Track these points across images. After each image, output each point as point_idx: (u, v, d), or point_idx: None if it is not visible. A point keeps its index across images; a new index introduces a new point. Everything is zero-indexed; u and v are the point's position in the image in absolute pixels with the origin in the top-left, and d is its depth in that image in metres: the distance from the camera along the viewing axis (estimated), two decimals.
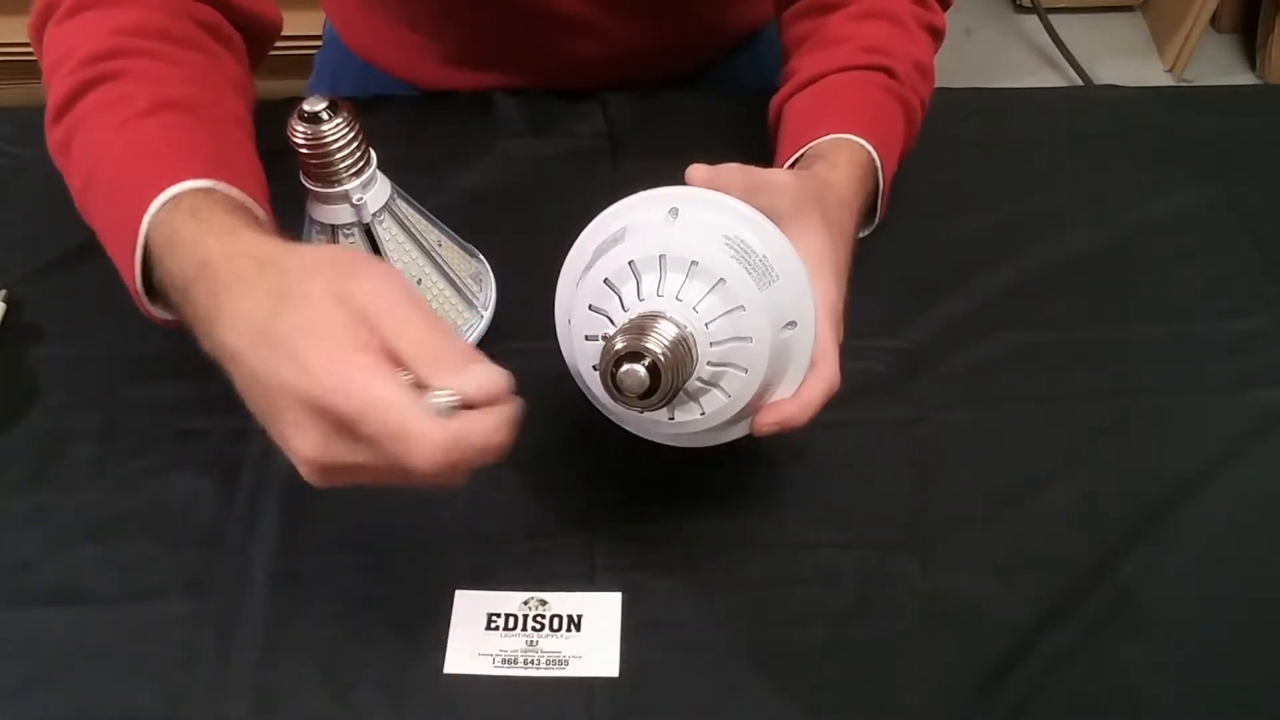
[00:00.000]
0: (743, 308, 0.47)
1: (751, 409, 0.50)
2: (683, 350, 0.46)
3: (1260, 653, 0.55)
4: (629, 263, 0.47)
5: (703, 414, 0.49)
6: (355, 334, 0.41)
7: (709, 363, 0.47)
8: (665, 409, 0.49)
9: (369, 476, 0.43)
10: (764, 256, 0.48)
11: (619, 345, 0.45)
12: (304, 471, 0.44)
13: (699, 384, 0.48)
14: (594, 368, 0.49)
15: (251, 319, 0.43)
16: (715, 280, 0.47)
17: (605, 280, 0.48)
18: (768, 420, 0.50)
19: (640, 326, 0.46)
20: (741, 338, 0.47)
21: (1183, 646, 0.55)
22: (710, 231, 0.48)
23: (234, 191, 0.51)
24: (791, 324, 0.49)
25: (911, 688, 0.54)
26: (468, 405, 0.41)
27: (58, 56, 0.58)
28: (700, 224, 0.49)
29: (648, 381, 0.45)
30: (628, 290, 0.47)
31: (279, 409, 0.42)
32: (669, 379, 0.45)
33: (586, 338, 0.49)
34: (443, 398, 0.41)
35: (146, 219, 0.49)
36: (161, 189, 0.50)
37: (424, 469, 0.40)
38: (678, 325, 0.46)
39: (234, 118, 0.59)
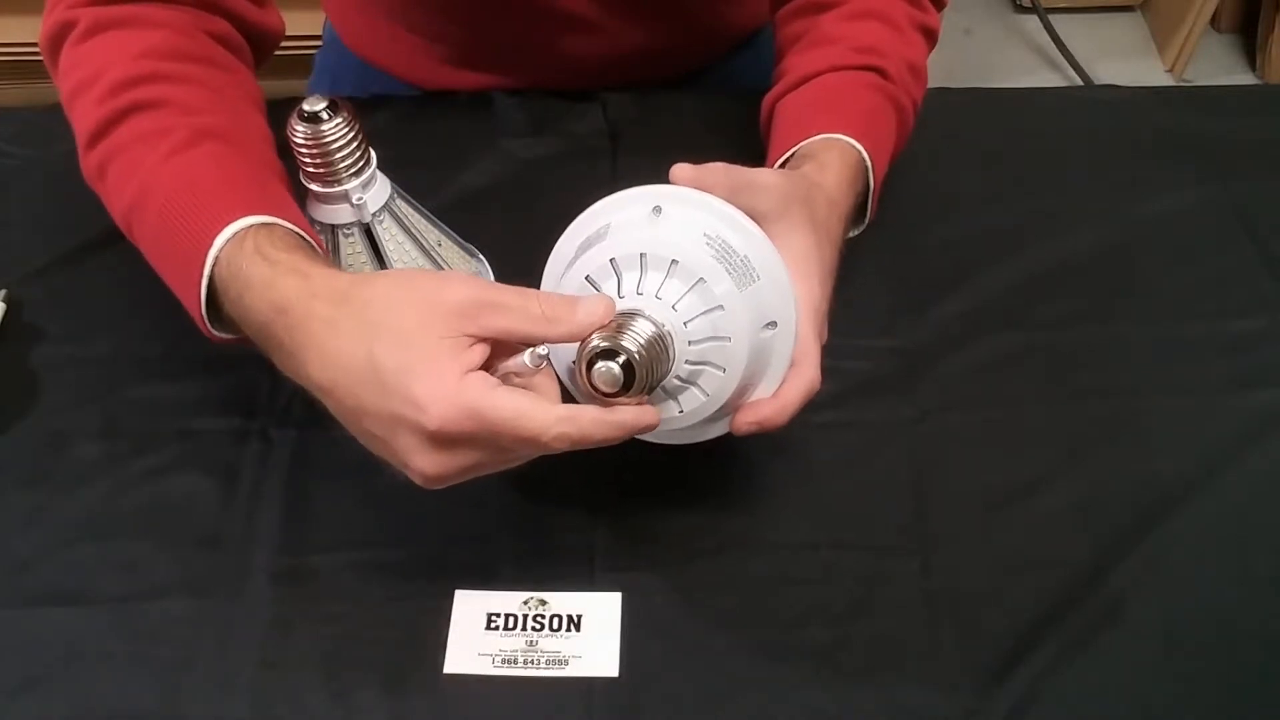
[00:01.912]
0: (721, 307, 0.47)
1: (730, 407, 0.50)
2: (659, 349, 0.46)
3: (1261, 653, 0.55)
4: (610, 260, 0.48)
5: (681, 411, 0.50)
6: (455, 355, 0.45)
7: (687, 361, 0.48)
8: None
9: (484, 470, 0.48)
10: (745, 257, 0.48)
11: (595, 342, 0.46)
12: (421, 482, 0.48)
13: (677, 382, 0.48)
14: (572, 364, 0.49)
15: (345, 357, 0.46)
16: (695, 280, 0.47)
17: (587, 277, 0.48)
18: (746, 420, 0.51)
19: (617, 324, 0.46)
20: (720, 337, 0.47)
21: (1182, 646, 0.55)
22: (691, 231, 0.48)
23: (289, 225, 0.53)
24: (772, 324, 0.49)
25: (911, 688, 0.54)
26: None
27: (81, 79, 0.58)
28: (682, 223, 0.49)
29: (622, 379, 0.45)
30: (608, 287, 0.48)
31: (395, 437, 0.46)
32: (643, 376, 0.46)
33: None
34: (540, 349, 0.46)
35: (211, 255, 0.51)
36: (223, 225, 0.51)
37: (551, 450, 0.46)
38: (655, 324, 0.47)
39: (262, 136, 0.60)
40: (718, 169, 0.51)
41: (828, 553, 0.58)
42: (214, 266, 0.51)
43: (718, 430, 0.53)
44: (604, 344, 0.45)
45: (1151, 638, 0.55)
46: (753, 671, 0.54)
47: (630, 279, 0.48)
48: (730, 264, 0.48)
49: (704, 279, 0.47)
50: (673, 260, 0.47)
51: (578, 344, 0.47)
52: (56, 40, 0.60)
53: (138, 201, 0.55)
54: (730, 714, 0.53)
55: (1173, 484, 0.61)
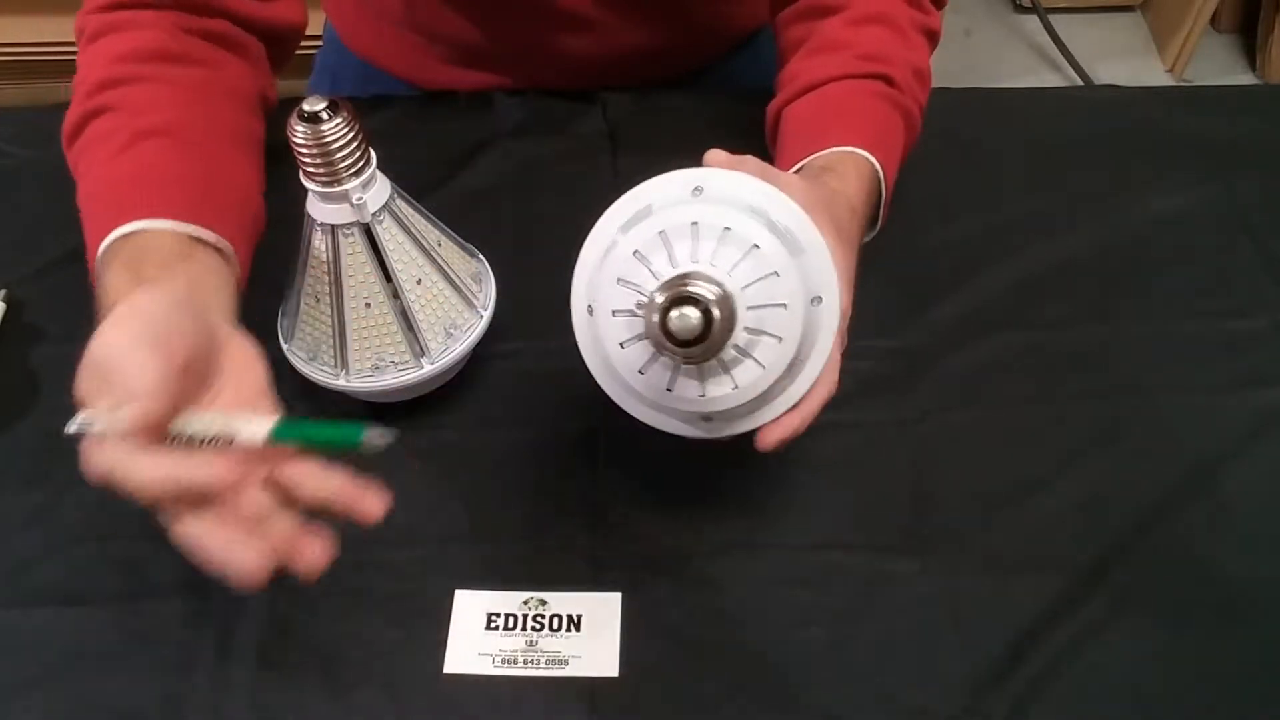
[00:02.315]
0: (776, 273, 0.47)
1: (775, 392, 0.50)
2: (727, 307, 0.46)
3: (1262, 653, 0.55)
4: (659, 232, 0.47)
5: (735, 387, 0.49)
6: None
7: (745, 328, 0.47)
8: (697, 383, 0.49)
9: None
10: (789, 229, 0.48)
11: (669, 293, 0.45)
12: None
13: (734, 352, 0.48)
14: (620, 345, 0.48)
15: None
16: (749, 246, 0.47)
17: (635, 252, 0.47)
18: (773, 437, 0.51)
19: (683, 279, 0.46)
20: (776, 303, 0.47)
21: (1182, 647, 0.55)
22: (737, 203, 0.48)
23: (167, 224, 0.53)
24: (817, 299, 0.49)
25: (911, 688, 0.54)
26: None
27: (76, 82, 0.62)
28: (726, 198, 0.49)
29: (701, 325, 0.45)
30: (659, 260, 0.47)
31: None
32: (718, 329, 0.45)
33: (614, 313, 0.49)
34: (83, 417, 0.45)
35: (99, 258, 0.54)
36: (107, 233, 0.53)
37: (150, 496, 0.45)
38: (717, 282, 0.46)
39: (228, 130, 0.61)
40: (751, 160, 0.51)
41: (828, 553, 0.58)
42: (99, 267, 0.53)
43: (749, 424, 0.52)
44: (681, 292, 0.45)
45: (1151, 637, 0.55)
46: (753, 671, 0.54)
47: (682, 249, 0.47)
48: (779, 235, 0.47)
49: (758, 245, 0.47)
50: (725, 228, 0.47)
51: (648, 303, 0.46)
52: (77, 41, 0.63)
53: (86, 202, 0.58)
54: (730, 714, 0.53)
55: (1172, 484, 0.61)
